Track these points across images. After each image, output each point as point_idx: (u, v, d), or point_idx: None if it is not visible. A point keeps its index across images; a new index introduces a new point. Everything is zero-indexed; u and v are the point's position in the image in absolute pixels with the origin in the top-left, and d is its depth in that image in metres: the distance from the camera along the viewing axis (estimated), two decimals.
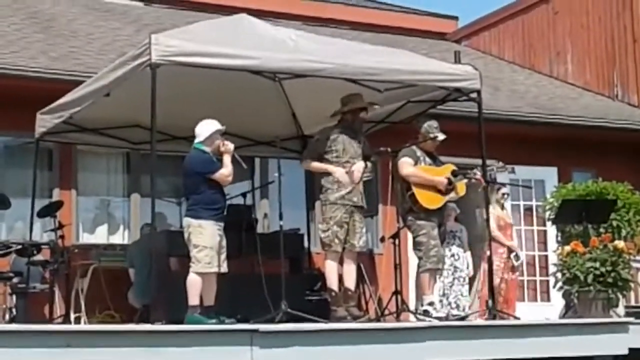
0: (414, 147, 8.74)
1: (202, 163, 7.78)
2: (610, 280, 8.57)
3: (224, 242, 7.79)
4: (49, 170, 10.89)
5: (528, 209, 12.98)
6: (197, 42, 7.75)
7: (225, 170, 7.78)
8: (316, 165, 8.50)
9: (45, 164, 10.82)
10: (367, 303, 10.48)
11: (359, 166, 8.37)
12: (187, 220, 7.77)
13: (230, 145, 7.88)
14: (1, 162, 10.88)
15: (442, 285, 10.30)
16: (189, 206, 7.84)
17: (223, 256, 7.76)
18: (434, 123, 8.84)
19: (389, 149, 8.67)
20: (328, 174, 8.38)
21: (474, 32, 17.40)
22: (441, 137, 8.73)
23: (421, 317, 8.33)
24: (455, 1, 24.69)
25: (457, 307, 10.25)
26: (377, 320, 8.72)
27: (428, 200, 8.56)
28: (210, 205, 7.69)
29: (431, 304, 8.52)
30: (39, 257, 9.69)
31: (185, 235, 7.75)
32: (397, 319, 8.56)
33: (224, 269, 7.77)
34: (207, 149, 7.84)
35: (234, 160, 7.87)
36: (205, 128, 7.88)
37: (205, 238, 7.62)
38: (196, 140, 7.91)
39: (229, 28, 8.51)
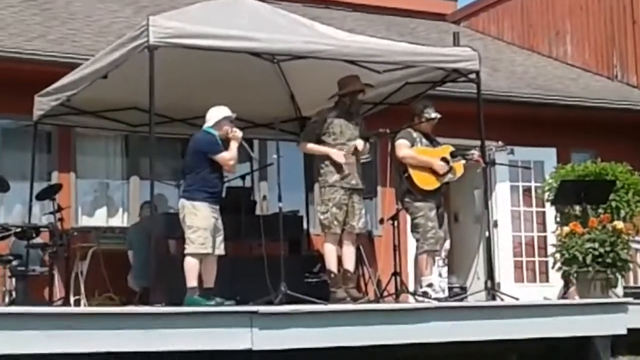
0: (409, 129, 8.71)
1: (206, 143, 7.84)
2: (609, 260, 8.59)
3: (220, 224, 7.82)
4: (48, 153, 10.89)
5: (527, 190, 12.98)
6: (195, 24, 7.73)
7: (228, 155, 7.81)
8: (312, 147, 8.49)
9: (44, 147, 10.82)
10: (366, 285, 10.49)
11: (360, 142, 8.37)
12: (181, 202, 7.84)
13: (239, 133, 7.92)
14: (0, 145, 10.87)
15: None
16: (184, 187, 7.91)
17: (219, 238, 7.78)
18: (429, 104, 8.83)
19: (388, 130, 8.66)
20: (326, 156, 8.37)
21: (473, 12, 17.34)
22: (437, 116, 8.72)
23: (420, 298, 8.34)
24: None
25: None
26: (377, 301, 8.73)
27: (425, 181, 8.55)
28: (205, 188, 7.72)
29: (430, 285, 8.53)
30: (38, 240, 9.70)
31: (180, 217, 7.80)
32: (396, 300, 8.58)
33: (221, 251, 7.79)
34: (216, 133, 7.88)
35: (242, 149, 7.89)
36: (215, 113, 7.94)
37: (199, 219, 7.66)
38: (205, 125, 7.96)
39: (227, 10, 8.48)
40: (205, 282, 7.75)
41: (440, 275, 10.25)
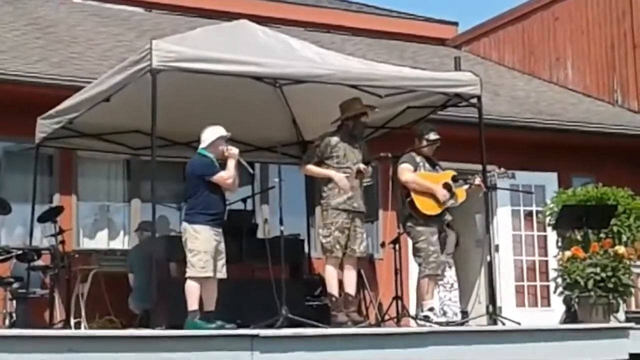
0: (413, 154, 8.74)
1: (201, 166, 7.82)
2: (610, 285, 8.58)
3: (222, 248, 7.80)
4: (50, 175, 10.89)
5: (528, 214, 12.97)
6: (198, 48, 7.77)
7: (225, 174, 7.79)
8: (315, 170, 8.50)
9: (46, 169, 10.83)
10: (367, 308, 10.48)
11: (362, 164, 8.38)
12: (183, 225, 7.83)
13: (234, 150, 7.89)
14: (2, 167, 10.88)
15: None
16: (186, 210, 7.90)
17: (221, 262, 7.76)
18: (431, 126, 8.86)
19: (390, 154, 8.68)
20: (329, 179, 8.38)
21: (474, 37, 17.41)
22: (437, 138, 8.73)
23: (421, 322, 8.33)
24: (455, 7, 24.70)
25: (444, 314, 10.21)
26: (378, 325, 8.71)
27: (427, 206, 8.56)
28: (206, 210, 7.70)
29: (431, 309, 8.52)
30: (39, 263, 9.68)
31: (183, 240, 7.78)
32: (398, 324, 8.56)
33: (222, 274, 7.76)
34: (211, 154, 7.86)
35: (240, 166, 7.89)
36: (209, 134, 7.91)
37: (200, 243, 7.64)
38: (200, 146, 7.95)
39: (230, 34, 8.53)
40: (206, 306, 7.72)
41: (450, 299, 10.24)
